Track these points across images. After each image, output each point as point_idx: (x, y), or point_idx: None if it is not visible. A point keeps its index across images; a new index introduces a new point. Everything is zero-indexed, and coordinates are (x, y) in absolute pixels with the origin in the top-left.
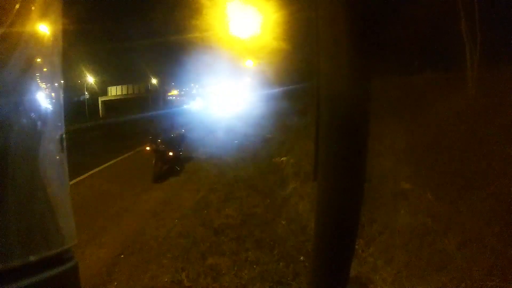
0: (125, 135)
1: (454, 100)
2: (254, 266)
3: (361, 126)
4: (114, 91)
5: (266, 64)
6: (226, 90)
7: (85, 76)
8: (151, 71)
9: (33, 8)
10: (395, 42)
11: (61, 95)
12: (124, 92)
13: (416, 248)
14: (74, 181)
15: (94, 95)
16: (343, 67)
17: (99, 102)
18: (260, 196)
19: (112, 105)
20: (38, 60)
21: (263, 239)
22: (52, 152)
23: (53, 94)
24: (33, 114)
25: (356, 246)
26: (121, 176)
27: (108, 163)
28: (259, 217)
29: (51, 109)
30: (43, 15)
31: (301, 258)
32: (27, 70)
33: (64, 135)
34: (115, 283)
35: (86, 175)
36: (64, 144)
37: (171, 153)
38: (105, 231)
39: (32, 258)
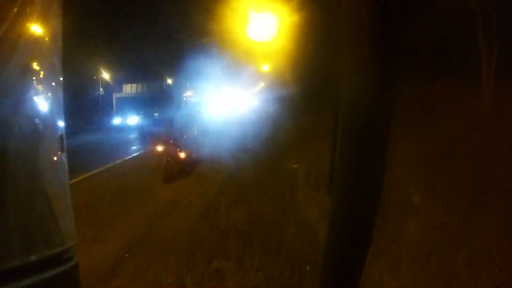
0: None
1: (468, 109)
2: (259, 273)
3: (382, 138)
4: (129, 89)
5: (282, 67)
6: (241, 93)
7: (100, 73)
8: (166, 71)
9: (31, 9)
10: (408, 49)
11: (61, 95)
12: (139, 89)
13: (423, 263)
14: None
15: (109, 91)
16: (365, 75)
17: (113, 99)
18: (270, 201)
19: (127, 102)
20: (38, 61)
21: (270, 246)
22: (52, 152)
23: (51, 94)
24: (32, 114)
25: None
26: (132, 174)
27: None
28: (268, 223)
29: (51, 109)
30: (42, 17)
31: (307, 267)
32: (27, 70)
33: (64, 135)
34: (118, 281)
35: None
36: (64, 144)
37: (183, 154)
38: (113, 228)
39: (32, 258)
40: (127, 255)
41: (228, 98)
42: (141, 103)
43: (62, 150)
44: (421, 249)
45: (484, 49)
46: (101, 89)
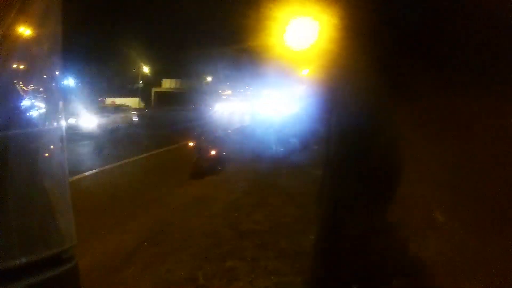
0: None
1: (504, 125)
2: (272, 277)
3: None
4: (168, 84)
5: (322, 71)
6: (279, 96)
7: (140, 67)
8: (206, 69)
9: (31, 10)
10: (437, 60)
11: (61, 95)
12: (178, 85)
13: (438, 282)
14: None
15: (148, 85)
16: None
17: (152, 92)
18: (294, 206)
19: (164, 96)
20: (38, 60)
21: (286, 250)
22: (52, 152)
23: (51, 93)
24: (32, 114)
25: None
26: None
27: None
28: (288, 227)
29: (51, 109)
30: (42, 17)
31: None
32: (27, 70)
33: (64, 135)
34: (132, 269)
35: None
36: (64, 144)
37: (213, 152)
38: (134, 218)
39: (32, 258)
40: (145, 243)
41: (266, 100)
42: (180, 98)
43: (62, 149)
44: (437, 272)
45: None
46: (140, 81)
